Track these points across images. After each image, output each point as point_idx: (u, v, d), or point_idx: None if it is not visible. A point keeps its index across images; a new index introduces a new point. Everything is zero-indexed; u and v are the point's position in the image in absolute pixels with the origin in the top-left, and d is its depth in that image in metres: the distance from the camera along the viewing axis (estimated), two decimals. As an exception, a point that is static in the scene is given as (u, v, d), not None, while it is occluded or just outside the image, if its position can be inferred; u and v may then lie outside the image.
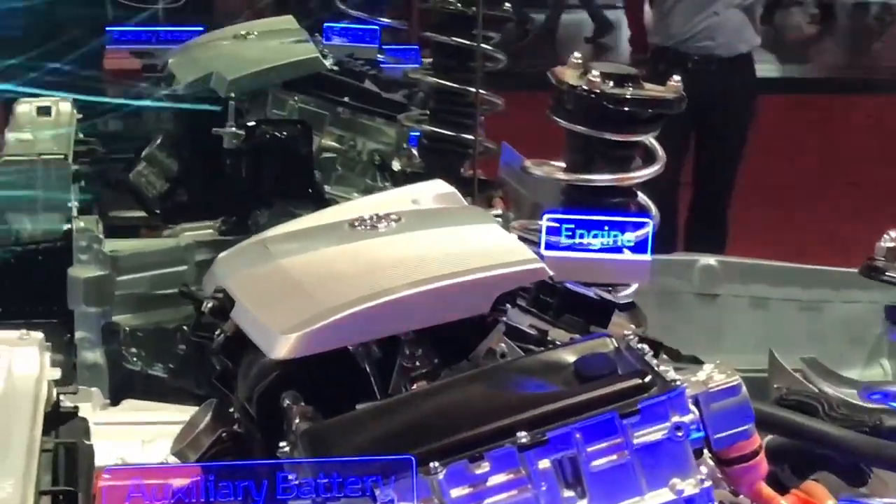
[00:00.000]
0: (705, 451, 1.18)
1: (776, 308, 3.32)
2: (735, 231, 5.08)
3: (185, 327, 2.80)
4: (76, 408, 1.30)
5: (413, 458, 1.01)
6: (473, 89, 2.98)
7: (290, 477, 1.00)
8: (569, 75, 1.67)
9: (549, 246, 1.46)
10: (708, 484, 1.12)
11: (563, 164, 1.75)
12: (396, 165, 3.42)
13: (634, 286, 1.56)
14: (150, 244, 3.33)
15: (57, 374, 1.28)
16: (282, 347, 1.19)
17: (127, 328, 2.92)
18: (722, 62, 4.92)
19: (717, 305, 3.35)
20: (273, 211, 3.21)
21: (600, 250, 1.44)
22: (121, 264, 2.99)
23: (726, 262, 3.49)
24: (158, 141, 3.46)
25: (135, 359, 2.84)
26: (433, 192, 1.55)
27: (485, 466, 1.07)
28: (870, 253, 1.59)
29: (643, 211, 1.67)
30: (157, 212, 3.47)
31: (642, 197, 1.71)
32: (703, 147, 5.06)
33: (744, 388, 1.21)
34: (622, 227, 1.47)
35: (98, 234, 2.72)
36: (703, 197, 5.14)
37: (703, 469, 1.14)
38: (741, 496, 1.23)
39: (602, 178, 1.66)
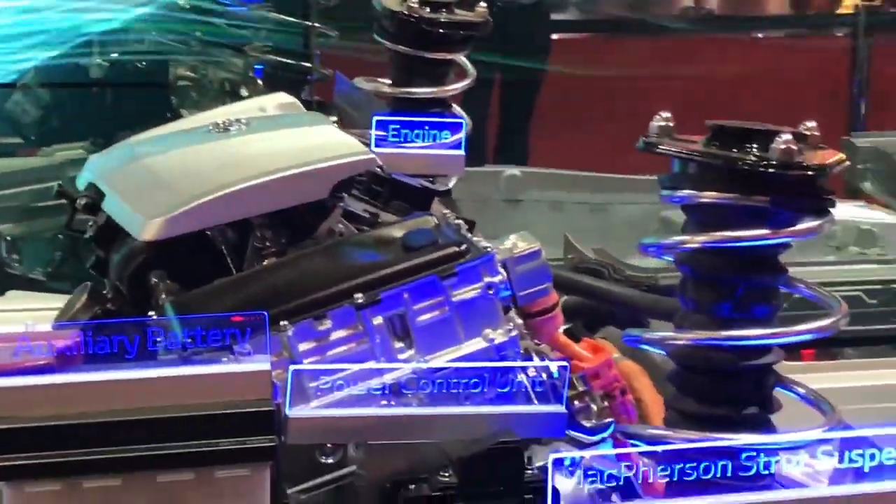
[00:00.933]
0: (512, 307, 1.21)
1: (570, 210, 3.47)
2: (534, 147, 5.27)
3: (59, 236, 2.71)
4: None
5: (266, 315, 1.00)
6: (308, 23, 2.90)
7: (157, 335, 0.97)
8: (391, 2, 1.65)
9: (378, 143, 1.45)
10: (514, 333, 1.16)
11: (388, 81, 1.73)
12: (244, 92, 3.33)
13: (453, 179, 1.58)
14: (27, 162, 3.23)
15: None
16: (149, 231, 1.14)
17: (8, 237, 2.83)
18: (523, 6, 5.02)
19: (521, 209, 3.46)
20: (135, 133, 3.08)
21: (422, 148, 1.45)
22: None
23: (528, 171, 3.60)
24: (32, 73, 3.28)
25: (16, 264, 2.74)
26: (277, 102, 1.53)
27: (327, 324, 1.08)
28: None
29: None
30: (33, 137, 3.33)
31: (457, 108, 1.72)
32: (507, 81, 5.16)
33: (542, 254, 1.25)
34: (440, 128, 1.48)
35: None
36: (507, 120, 5.27)
37: (511, 322, 1.18)
38: (542, 345, 1.28)
39: (422, 91, 1.65)
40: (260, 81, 3.29)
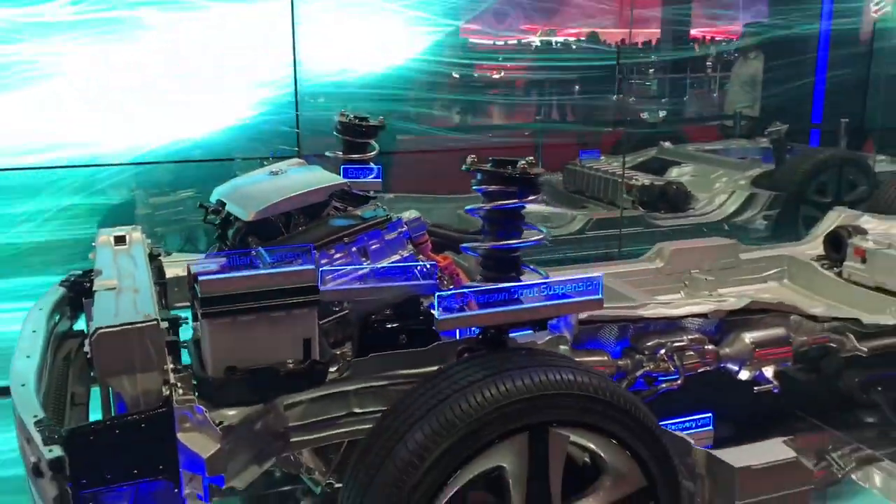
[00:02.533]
0: (409, 241, 2.62)
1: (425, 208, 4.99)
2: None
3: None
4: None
5: (312, 246, 2.42)
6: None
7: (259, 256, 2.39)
8: (342, 119, 3.08)
9: (345, 175, 2.89)
10: (412, 252, 2.58)
11: (340, 152, 3.16)
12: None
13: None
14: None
15: None
16: (249, 216, 2.56)
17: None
18: None
19: (404, 206, 4.94)
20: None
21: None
22: None
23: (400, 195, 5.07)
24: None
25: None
26: (296, 161, 2.96)
27: (332, 251, 2.50)
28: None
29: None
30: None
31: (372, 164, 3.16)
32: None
33: (422, 218, 2.67)
34: (369, 171, 2.93)
35: None
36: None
37: (410, 247, 2.59)
38: (422, 257, 2.64)
39: (357, 157, 3.09)
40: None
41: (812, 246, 4.75)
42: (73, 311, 2.80)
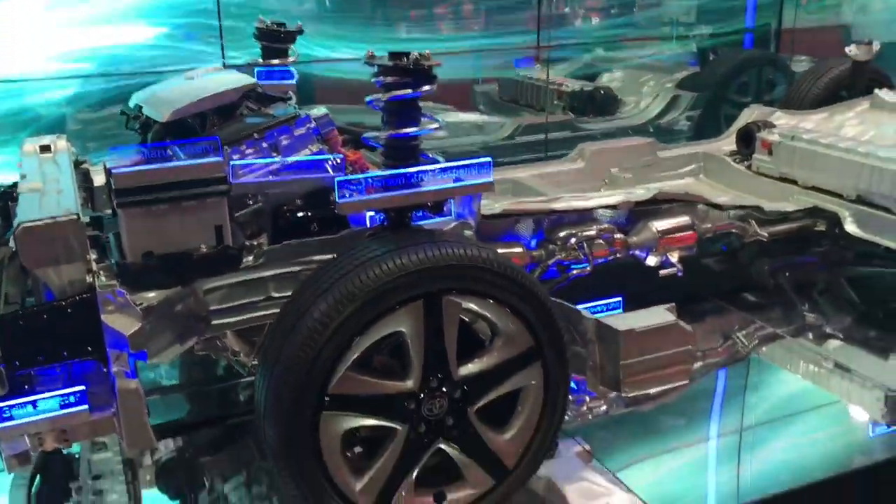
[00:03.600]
0: (319, 136, 2.77)
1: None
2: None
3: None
4: None
5: (218, 139, 2.56)
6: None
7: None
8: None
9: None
10: (321, 147, 2.73)
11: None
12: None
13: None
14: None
15: None
16: (164, 117, 2.68)
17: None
18: None
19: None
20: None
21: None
22: None
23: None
24: None
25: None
26: (216, 67, 3.06)
27: (244, 146, 2.63)
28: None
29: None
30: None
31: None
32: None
33: (329, 115, 2.82)
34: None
35: None
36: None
37: (319, 143, 2.74)
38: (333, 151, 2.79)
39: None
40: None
41: (727, 142, 4.97)
42: (5, 220, 2.91)
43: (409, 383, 2.27)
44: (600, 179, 4.73)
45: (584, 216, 3.81)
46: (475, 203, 2.84)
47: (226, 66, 4.40)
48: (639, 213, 3.93)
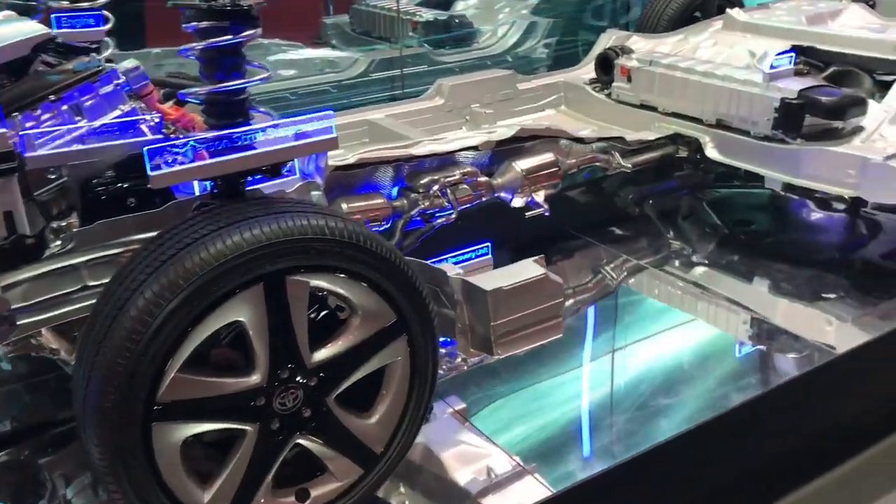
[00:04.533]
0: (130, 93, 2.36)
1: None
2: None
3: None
4: None
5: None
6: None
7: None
8: None
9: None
10: (133, 106, 2.31)
11: None
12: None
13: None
14: None
15: None
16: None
17: None
18: None
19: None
20: None
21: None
22: None
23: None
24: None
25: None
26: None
27: (38, 111, 2.20)
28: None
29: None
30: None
31: None
32: None
33: (141, 68, 2.40)
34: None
35: None
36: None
37: (130, 101, 2.33)
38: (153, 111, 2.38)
39: None
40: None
41: (586, 70, 4.80)
42: None
43: (255, 378, 1.97)
44: (461, 117, 4.48)
45: (445, 160, 3.56)
46: (322, 159, 2.52)
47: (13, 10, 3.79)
48: (501, 152, 3.71)
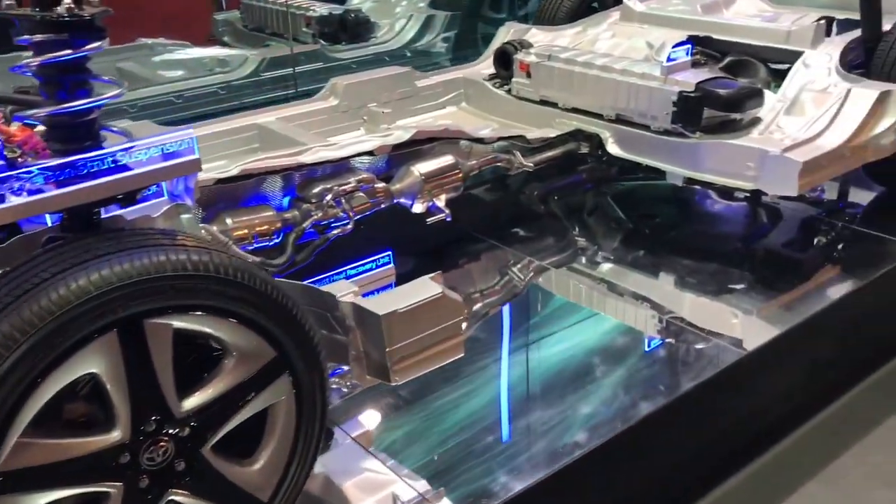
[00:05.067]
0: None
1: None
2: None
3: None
4: None
5: None
6: None
7: None
8: None
9: None
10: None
11: None
12: None
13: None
14: None
15: None
16: None
17: None
18: None
19: None
20: None
21: None
22: None
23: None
24: None
25: None
26: None
27: None
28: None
29: None
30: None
31: None
32: None
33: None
34: None
35: None
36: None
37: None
38: None
39: None
40: None
41: (486, 65, 4.67)
42: None
43: (117, 434, 1.74)
44: (357, 118, 4.28)
45: (339, 167, 3.36)
46: (191, 179, 2.29)
47: None
48: (399, 156, 3.54)
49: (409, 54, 5.39)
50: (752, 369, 3.16)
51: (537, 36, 4.69)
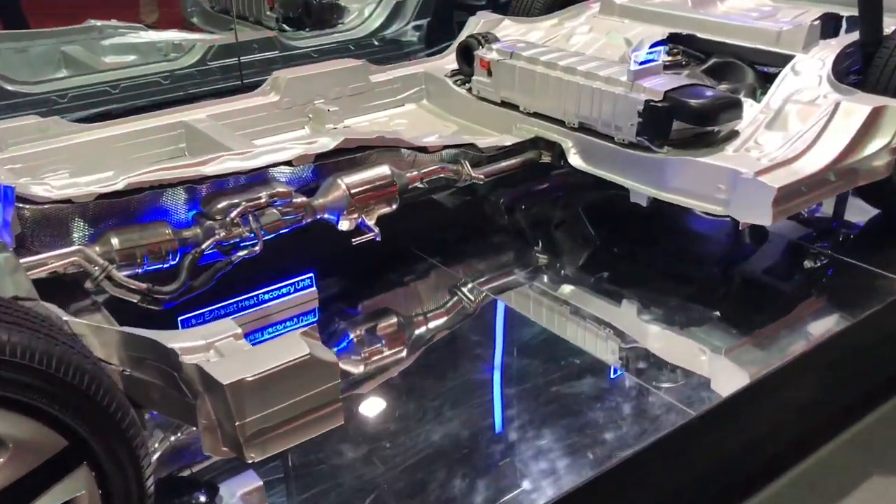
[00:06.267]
0: None
1: None
2: None
3: None
4: None
5: None
6: None
7: None
8: None
9: None
10: None
11: None
12: None
13: None
14: None
15: None
16: None
17: None
18: None
19: None
20: None
21: None
22: None
23: None
24: None
25: None
26: None
27: None
28: None
29: None
30: None
31: None
32: None
33: None
34: None
35: None
36: None
37: None
38: None
39: None
40: None
41: (451, 59, 4.25)
42: None
43: None
44: (301, 115, 3.90)
45: (256, 178, 2.98)
46: (8, 210, 1.92)
47: None
48: (330, 166, 3.14)
49: (376, 43, 4.97)
50: (719, 416, 2.74)
51: (509, 28, 4.27)
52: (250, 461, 1.91)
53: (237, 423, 1.84)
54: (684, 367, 2.90)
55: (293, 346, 1.92)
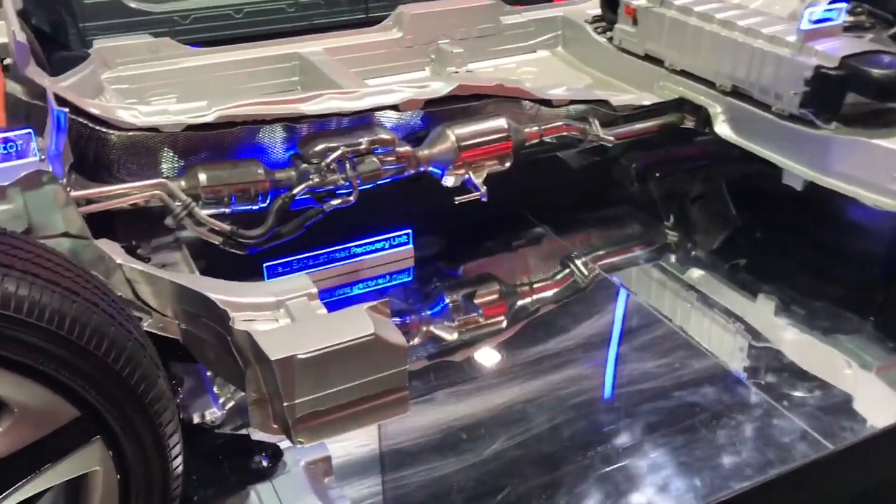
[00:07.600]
0: None
1: None
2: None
3: None
4: None
5: None
6: None
7: None
8: None
9: None
10: None
11: None
12: None
13: None
14: None
15: None
16: None
17: None
18: None
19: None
20: None
21: None
22: None
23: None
24: None
25: None
26: None
27: None
28: None
29: None
30: None
31: None
32: None
33: None
34: None
35: None
36: None
37: None
38: None
39: None
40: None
41: (595, 3, 3.81)
42: None
43: None
44: (423, 55, 3.60)
45: (358, 121, 2.71)
46: (61, 137, 1.72)
47: None
48: (441, 113, 2.82)
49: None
50: (863, 453, 2.29)
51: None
52: (298, 446, 1.66)
53: (285, 404, 1.59)
54: (824, 384, 2.45)
55: (357, 322, 1.64)
